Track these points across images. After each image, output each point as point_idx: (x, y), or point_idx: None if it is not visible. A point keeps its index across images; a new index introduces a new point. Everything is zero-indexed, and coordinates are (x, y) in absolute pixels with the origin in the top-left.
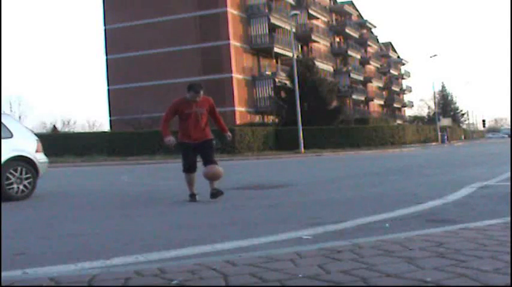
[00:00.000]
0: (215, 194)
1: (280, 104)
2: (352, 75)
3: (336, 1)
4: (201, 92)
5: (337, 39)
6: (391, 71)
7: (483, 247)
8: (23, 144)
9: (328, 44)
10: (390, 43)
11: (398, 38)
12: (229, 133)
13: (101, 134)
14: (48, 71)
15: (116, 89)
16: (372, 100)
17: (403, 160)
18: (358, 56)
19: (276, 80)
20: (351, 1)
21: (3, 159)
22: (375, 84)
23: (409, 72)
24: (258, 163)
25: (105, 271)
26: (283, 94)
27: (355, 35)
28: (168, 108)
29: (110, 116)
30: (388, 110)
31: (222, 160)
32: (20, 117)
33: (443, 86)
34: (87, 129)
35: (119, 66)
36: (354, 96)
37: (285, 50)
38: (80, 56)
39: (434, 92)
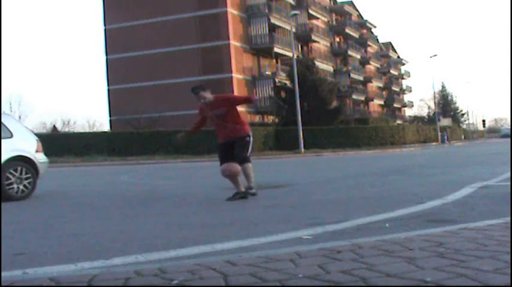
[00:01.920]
0: (245, 193)
1: (280, 104)
2: (352, 75)
3: (336, 1)
4: (201, 93)
5: (337, 39)
6: (391, 71)
7: (483, 247)
8: (23, 144)
9: (328, 44)
10: (390, 43)
11: (398, 38)
12: (254, 97)
13: (101, 134)
14: (48, 71)
15: (116, 89)
16: (372, 100)
17: (403, 160)
18: (358, 56)
19: (276, 80)
20: (351, 1)
21: (3, 159)
22: (375, 84)
23: (409, 72)
24: (258, 163)
25: (105, 271)
26: (283, 94)
27: (355, 35)
28: None
29: (110, 116)
30: (388, 110)
31: None
32: (20, 117)
33: (443, 86)
34: (87, 129)
35: (119, 66)
36: (354, 96)
37: (285, 50)
38: (80, 56)
39: (434, 92)
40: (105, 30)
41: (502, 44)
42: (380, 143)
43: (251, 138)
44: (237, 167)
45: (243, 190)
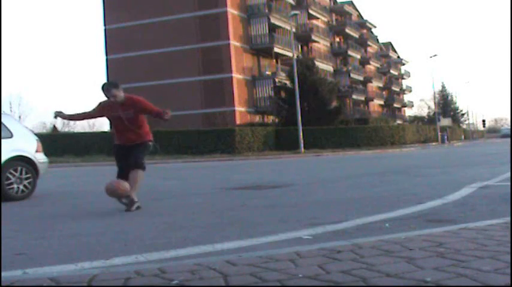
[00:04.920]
0: (128, 205)
1: (280, 104)
2: (352, 75)
3: (336, 1)
4: (115, 91)
5: (337, 39)
6: (391, 71)
7: (483, 247)
8: (23, 144)
9: (328, 44)
10: (390, 43)
11: (398, 38)
12: (167, 111)
13: (101, 134)
14: (48, 71)
15: None
16: (372, 100)
17: (403, 159)
18: (358, 56)
19: (276, 80)
20: (351, 1)
21: (3, 159)
22: (375, 84)
23: (409, 72)
24: (258, 163)
25: (105, 271)
26: (283, 94)
27: (355, 35)
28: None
29: None
30: (388, 110)
31: (222, 160)
32: (20, 117)
33: (443, 86)
34: (87, 129)
35: (119, 66)
36: (354, 96)
37: (285, 50)
38: (80, 56)
39: (434, 92)
40: (105, 30)
41: (502, 44)
42: (380, 143)
43: (151, 143)
44: (126, 187)
45: (124, 201)
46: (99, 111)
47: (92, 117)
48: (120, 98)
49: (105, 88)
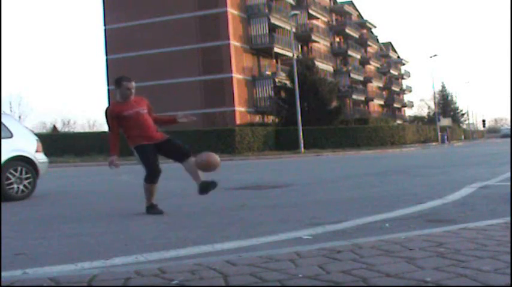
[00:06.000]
0: (205, 187)
1: (280, 104)
2: (352, 75)
3: (336, 1)
4: (133, 83)
5: (337, 39)
6: (391, 71)
7: (483, 247)
8: (23, 144)
9: (328, 44)
10: (390, 43)
11: (398, 38)
12: (179, 114)
13: (101, 134)
14: (48, 71)
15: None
16: (372, 100)
17: (403, 159)
18: (358, 56)
19: (276, 80)
20: (351, 1)
21: (3, 159)
22: (375, 84)
23: (409, 72)
24: (258, 163)
25: (105, 271)
26: (283, 94)
27: (355, 35)
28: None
29: None
30: (388, 110)
31: (222, 160)
32: (20, 117)
33: (443, 86)
34: (87, 129)
35: (119, 66)
36: (354, 96)
37: (285, 50)
38: (80, 56)
39: (434, 92)
40: (105, 30)
41: (502, 44)
42: (380, 143)
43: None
44: (216, 158)
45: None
46: (116, 118)
47: (118, 130)
48: (132, 93)
49: (125, 78)
